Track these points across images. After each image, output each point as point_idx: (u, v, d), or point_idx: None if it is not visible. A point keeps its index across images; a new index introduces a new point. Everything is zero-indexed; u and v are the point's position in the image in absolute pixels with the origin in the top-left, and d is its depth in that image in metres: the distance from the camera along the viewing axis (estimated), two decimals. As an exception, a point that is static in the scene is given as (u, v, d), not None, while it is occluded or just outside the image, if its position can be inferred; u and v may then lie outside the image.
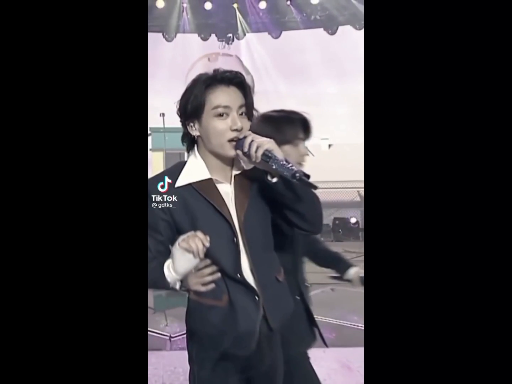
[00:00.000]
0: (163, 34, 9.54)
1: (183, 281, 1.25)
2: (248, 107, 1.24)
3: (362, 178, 1.56)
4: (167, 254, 1.21)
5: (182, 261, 1.16)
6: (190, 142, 1.28)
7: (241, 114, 1.22)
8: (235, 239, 1.23)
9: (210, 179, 1.25)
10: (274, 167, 1.15)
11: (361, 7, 8.49)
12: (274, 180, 1.18)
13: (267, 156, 1.15)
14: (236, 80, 1.22)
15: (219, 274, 1.24)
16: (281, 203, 1.23)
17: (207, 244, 1.14)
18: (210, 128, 1.20)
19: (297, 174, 1.12)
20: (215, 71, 1.24)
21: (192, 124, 1.24)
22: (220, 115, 1.19)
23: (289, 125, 1.51)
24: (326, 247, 1.86)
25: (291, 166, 1.13)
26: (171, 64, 9.73)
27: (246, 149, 1.17)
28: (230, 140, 1.21)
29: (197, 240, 1.13)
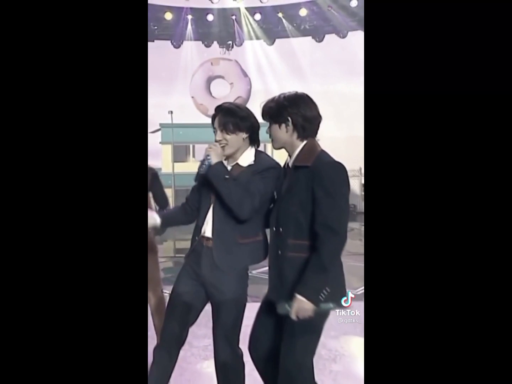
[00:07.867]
0: (171, 42, 10.32)
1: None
2: (225, 124, 1.75)
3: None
4: (195, 202, 1.89)
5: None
6: None
7: (222, 130, 1.76)
8: (208, 209, 1.80)
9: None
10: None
11: (342, 19, 9.66)
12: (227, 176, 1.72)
13: (205, 158, 1.72)
14: (224, 109, 1.79)
15: None
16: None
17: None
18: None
19: (199, 170, 1.73)
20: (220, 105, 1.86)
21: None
22: (215, 132, 1.80)
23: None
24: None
25: (202, 167, 1.71)
26: (178, 68, 10.71)
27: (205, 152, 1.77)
28: None
29: None
